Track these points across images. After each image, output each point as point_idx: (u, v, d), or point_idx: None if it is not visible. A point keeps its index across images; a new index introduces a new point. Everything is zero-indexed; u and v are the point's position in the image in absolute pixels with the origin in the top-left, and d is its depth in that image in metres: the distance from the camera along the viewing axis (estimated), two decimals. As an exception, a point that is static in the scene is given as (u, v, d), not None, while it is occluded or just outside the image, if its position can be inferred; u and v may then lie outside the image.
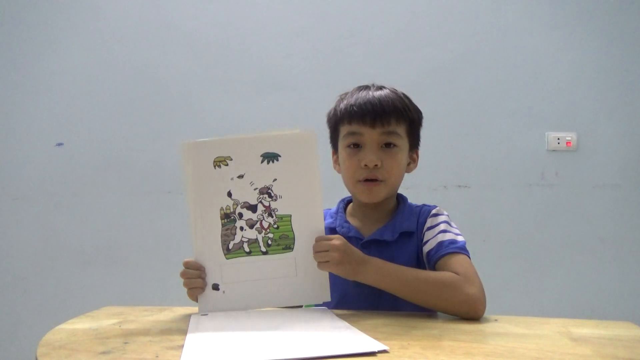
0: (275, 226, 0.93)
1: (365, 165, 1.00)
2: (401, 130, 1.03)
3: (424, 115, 1.11)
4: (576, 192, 2.20)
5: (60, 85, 2.25)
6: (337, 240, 0.91)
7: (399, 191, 1.12)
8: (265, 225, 0.93)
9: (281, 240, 0.93)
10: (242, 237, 0.93)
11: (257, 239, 0.93)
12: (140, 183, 2.23)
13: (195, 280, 0.92)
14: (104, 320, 0.89)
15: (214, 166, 0.93)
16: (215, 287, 0.92)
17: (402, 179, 1.08)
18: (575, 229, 2.18)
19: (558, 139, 2.20)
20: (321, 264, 0.90)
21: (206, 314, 0.90)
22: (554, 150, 2.20)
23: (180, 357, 0.64)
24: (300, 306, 1.00)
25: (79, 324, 0.86)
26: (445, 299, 0.89)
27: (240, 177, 0.92)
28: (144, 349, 0.69)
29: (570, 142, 2.19)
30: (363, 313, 0.92)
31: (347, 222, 1.09)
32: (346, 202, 1.15)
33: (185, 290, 0.95)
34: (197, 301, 0.94)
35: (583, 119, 2.21)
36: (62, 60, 2.26)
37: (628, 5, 2.21)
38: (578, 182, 2.20)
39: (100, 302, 1.11)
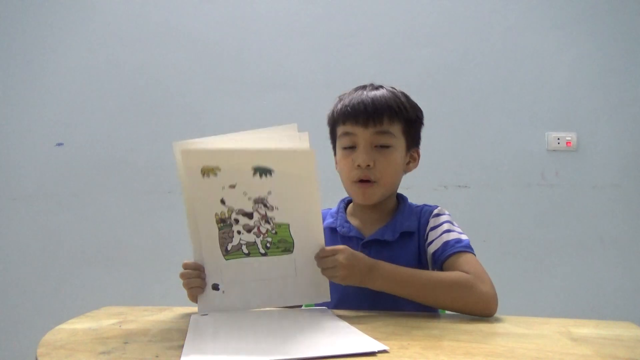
0: (274, 232, 0.90)
1: (359, 165, 1.01)
2: (396, 129, 1.02)
3: (424, 115, 1.10)
4: (576, 192, 2.20)
5: (60, 85, 2.25)
6: (341, 255, 0.88)
7: (399, 191, 1.12)
8: (263, 230, 0.90)
9: (280, 243, 0.91)
10: (240, 239, 0.91)
11: (255, 242, 0.91)
12: (140, 183, 2.23)
13: (194, 280, 0.92)
14: (104, 320, 0.89)
15: (202, 175, 0.87)
16: (215, 287, 0.92)
17: (398, 178, 1.07)
18: (575, 229, 2.18)
19: (558, 139, 2.20)
20: (329, 277, 0.90)
21: (206, 314, 0.90)
22: (554, 150, 2.20)
23: (180, 357, 0.64)
24: (300, 306, 1.00)
25: (79, 324, 0.86)
26: (460, 299, 0.89)
27: (232, 186, 0.87)
28: (144, 349, 0.69)
29: (570, 142, 2.19)
30: (363, 313, 0.92)
31: (347, 222, 1.09)
32: (346, 202, 1.15)
33: (184, 290, 0.95)
34: (197, 302, 0.94)
35: (583, 119, 2.21)
36: (62, 60, 2.26)
37: (628, 5, 2.21)
38: (578, 182, 2.20)
39: (100, 302, 1.11)
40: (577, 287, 2.16)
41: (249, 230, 0.90)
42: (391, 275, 0.91)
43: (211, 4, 2.26)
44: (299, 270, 0.92)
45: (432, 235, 1.02)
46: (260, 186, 0.87)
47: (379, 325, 0.82)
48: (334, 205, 1.14)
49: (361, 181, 1.02)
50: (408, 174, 1.11)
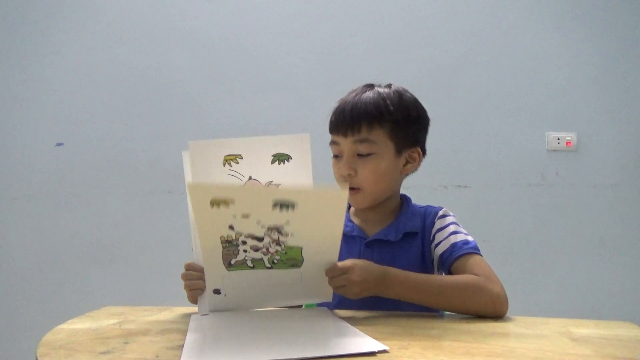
0: (284, 252, 0.84)
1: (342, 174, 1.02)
2: (377, 135, 1.00)
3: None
4: (576, 192, 2.20)
5: (60, 85, 2.25)
6: (352, 273, 0.85)
7: (402, 191, 1.12)
8: (272, 250, 0.84)
9: (288, 260, 0.86)
10: (246, 256, 0.85)
11: (262, 258, 0.85)
12: (140, 183, 2.23)
13: (197, 282, 0.92)
14: (104, 320, 0.89)
15: (211, 206, 0.78)
16: (217, 291, 0.91)
17: (388, 183, 1.04)
18: (575, 229, 2.18)
19: (558, 139, 2.20)
20: (335, 288, 0.88)
21: (206, 314, 0.90)
22: (554, 150, 2.20)
23: (180, 357, 0.64)
24: (301, 306, 1.00)
25: (79, 324, 0.86)
26: (473, 301, 0.89)
27: (246, 216, 0.79)
28: (144, 349, 0.69)
29: (570, 142, 2.19)
30: (363, 313, 0.92)
31: (350, 221, 1.09)
32: None
33: (184, 291, 0.95)
34: (197, 304, 0.93)
35: (583, 119, 2.21)
36: (62, 60, 2.26)
37: (628, 5, 2.21)
38: (578, 182, 2.20)
39: (100, 302, 1.11)
40: (577, 287, 2.16)
41: (256, 250, 0.85)
42: (404, 282, 0.90)
43: (211, 4, 2.26)
44: (304, 277, 0.89)
45: (439, 237, 1.02)
46: (277, 217, 0.79)
47: (379, 325, 0.82)
48: None
49: (348, 189, 1.03)
50: (407, 174, 1.10)
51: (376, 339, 0.69)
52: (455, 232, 1.01)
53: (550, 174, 2.20)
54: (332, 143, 1.05)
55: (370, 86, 1.06)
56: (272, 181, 0.91)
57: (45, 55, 2.26)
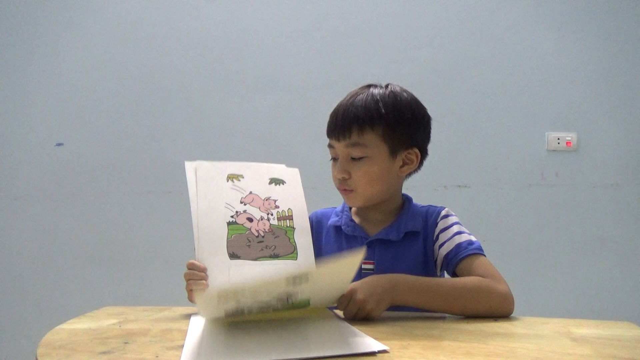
0: (290, 303, 0.79)
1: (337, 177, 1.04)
2: (369, 138, 1.00)
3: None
4: (576, 192, 2.20)
5: (60, 85, 2.25)
6: (356, 293, 0.84)
7: (404, 191, 1.12)
8: (279, 305, 0.79)
9: (295, 305, 0.80)
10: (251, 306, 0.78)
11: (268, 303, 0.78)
12: (140, 183, 2.23)
13: (199, 282, 0.92)
14: (104, 320, 0.89)
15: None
16: None
17: (382, 185, 1.04)
18: (575, 229, 2.18)
19: (558, 139, 2.20)
20: (357, 318, 0.85)
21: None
22: (554, 150, 2.20)
23: (180, 357, 0.64)
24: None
25: (79, 324, 0.86)
26: (484, 302, 0.89)
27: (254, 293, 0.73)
28: (144, 349, 0.69)
29: (570, 142, 2.19)
30: (363, 313, 0.92)
31: (352, 220, 1.09)
32: None
33: (184, 290, 0.95)
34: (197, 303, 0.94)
35: (583, 119, 2.21)
36: (62, 60, 2.26)
37: (628, 5, 2.21)
38: (578, 182, 2.20)
39: (100, 302, 1.12)
40: (577, 287, 2.16)
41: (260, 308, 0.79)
42: (416, 286, 0.89)
43: (211, 4, 2.26)
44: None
45: (442, 237, 1.02)
46: (289, 290, 0.75)
47: (379, 325, 0.82)
48: (338, 203, 1.14)
49: (343, 190, 1.05)
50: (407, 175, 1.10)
51: (376, 339, 0.69)
52: (459, 233, 1.01)
53: (550, 174, 2.20)
54: (329, 146, 1.06)
55: (368, 87, 1.06)
56: (269, 197, 1.01)
57: (45, 55, 2.26)
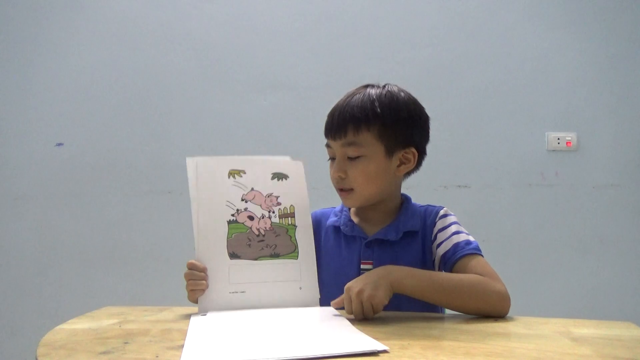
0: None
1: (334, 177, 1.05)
2: (364, 138, 1.00)
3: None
4: (576, 192, 2.20)
5: (60, 85, 2.25)
6: (353, 287, 0.86)
7: (402, 191, 1.12)
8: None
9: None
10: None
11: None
12: (140, 183, 2.23)
13: (200, 282, 0.93)
14: (104, 320, 0.89)
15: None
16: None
17: (380, 185, 1.04)
18: (575, 229, 2.18)
19: (558, 139, 2.20)
20: (376, 313, 0.86)
21: (205, 314, 0.90)
22: (553, 150, 2.20)
23: (180, 357, 0.64)
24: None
25: (79, 324, 0.86)
26: (479, 299, 0.89)
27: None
28: (144, 349, 0.69)
29: (570, 142, 2.19)
30: (363, 313, 0.92)
31: (350, 220, 1.09)
32: None
33: (184, 290, 0.95)
34: (197, 303, 0.94)
35: (583, 119, 2.21)
36: (62, 60, 2.26)
37: (628, 5, 2.21)
38: (578, 182, 2.20)
39: (100, 302, 1.12)
40: (577, 287, 2.16)
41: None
42: (413, 272, 0.91)
43: (211, 4, 2.26)
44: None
45: (441, 237, 1.02)
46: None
47: (379, 325, 0.82)
48: (337, 204, 1.14)
49: (341, 189, 1.05)
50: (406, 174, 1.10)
51: (376, 339, 0.69)
52: (457, 232, 1.01)
53: (550, 174, 2.20)
54: (327, 146, 1.06)
55: (365, 87, 1.06)
56: (272, 193, 1.01)
57: (46, 55, 2.26)
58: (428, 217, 1.06)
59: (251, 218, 0.98)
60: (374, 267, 1.02)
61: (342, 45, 2.24)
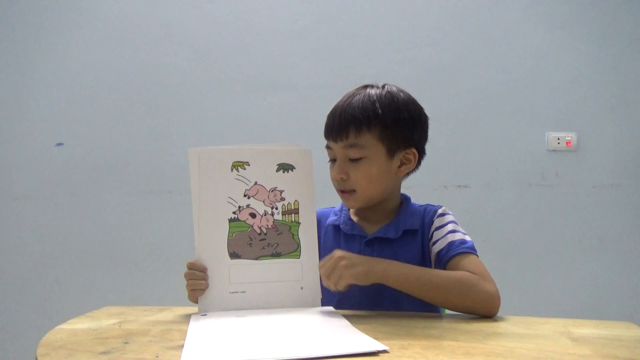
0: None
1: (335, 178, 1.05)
2: (366, 139, 1.00)
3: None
4: (576, 192, 2.20)
5: (60, 85, 2.25)
6: (337, 252, 0.92)
7: (402, 191, 1.12)
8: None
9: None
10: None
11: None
12: (140, 183, 2.23)
13: (200, 282, 0.93)
14: (104, 320, 0.89)
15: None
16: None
17: (381, 186, 1.04)
18: (575, 229, 2.18)
19: (558, 139, 2.20)
20: (338, 283, 0.89)
21: (205, 314, 0.90)
22: (553, 150, 2.20)
23: (180, 357, 0.64)
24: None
25: (79, 324, 0.86)
26: (466, 297, 0.90)
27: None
28: (144, 349, 0.69)
29: (570, 142, 2.19)
30: (363, 313, 0.92)
31: (350, 219, 1.10)
32: None
33: (184, 290, 0.95)
34: (197, 303, 0.94)
35: (583, 119, 2.21)
36: (62, 60, 2.26)
37: (628, 5, 2.21)
38: (578, 182, 2.20)
39: (100, 302, 1.12)
40: (577, 287, 2.16)
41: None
42: (399, 263, 0.92)
43: (211, 4, 2.26)
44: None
45: (437, 235, 1.02)
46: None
47: (379, 325, 0.82)
48: (337, 203, 1.14)
49: (342, 191, 1.05)
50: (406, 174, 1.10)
51: (376, 339, 0.69)
52: (453, 231, 1.02)
53: (550, 174, 2.20)
54: (327, 147, 1.06)
55: (365, 88, 1.06)
56: (276, 187, 0.98)
57: (45, 55, 2.26)
58: (427, 216, 1.06)
59: (253, 216, 0.97)
60: None
61: (342, 45, 2.24)
